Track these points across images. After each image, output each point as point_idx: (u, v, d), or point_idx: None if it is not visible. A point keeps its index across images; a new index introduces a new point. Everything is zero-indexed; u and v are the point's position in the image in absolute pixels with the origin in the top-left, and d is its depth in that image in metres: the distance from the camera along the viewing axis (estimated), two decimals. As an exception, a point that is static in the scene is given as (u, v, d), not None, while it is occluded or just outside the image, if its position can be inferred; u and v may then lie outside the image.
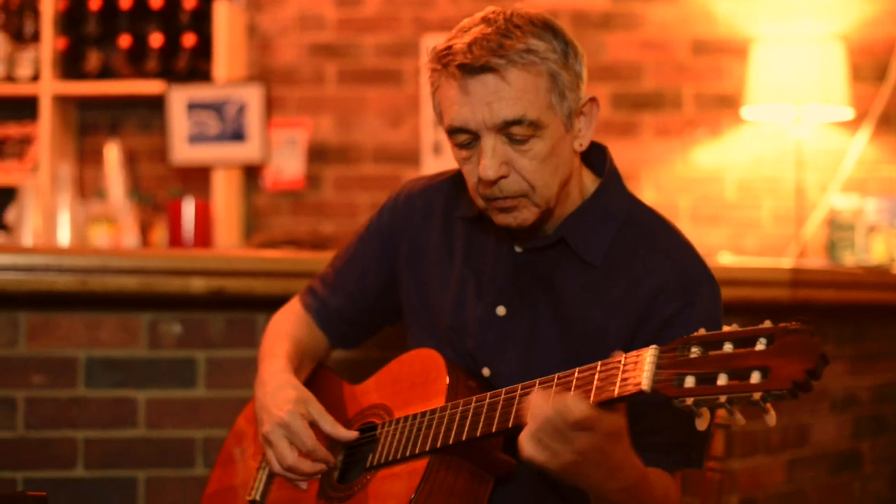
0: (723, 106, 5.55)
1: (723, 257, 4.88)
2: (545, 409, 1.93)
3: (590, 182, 2.38)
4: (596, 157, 2.40)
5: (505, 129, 2.18)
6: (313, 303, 2.68)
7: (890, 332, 4.30)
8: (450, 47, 2.20)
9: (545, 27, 2.21)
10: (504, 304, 2.37)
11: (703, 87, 5.57)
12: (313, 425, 2.38)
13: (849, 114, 5.31)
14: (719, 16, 5.55)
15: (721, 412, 2.47)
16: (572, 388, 1.99)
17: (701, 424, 1.81)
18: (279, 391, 2.43)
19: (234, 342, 3.29)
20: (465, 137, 2.22)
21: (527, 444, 1.96)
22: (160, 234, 5.60)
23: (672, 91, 5.59)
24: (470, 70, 2.16)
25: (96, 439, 3.25)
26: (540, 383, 2.07)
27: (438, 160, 5.55)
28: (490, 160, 2.19)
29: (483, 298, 2.40)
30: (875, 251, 5.15)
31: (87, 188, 5.86)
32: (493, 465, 2.26)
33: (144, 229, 5.61)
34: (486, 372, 2.38)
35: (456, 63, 2.17)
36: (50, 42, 5.63)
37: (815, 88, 5.13)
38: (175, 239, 5.35)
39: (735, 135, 5.54)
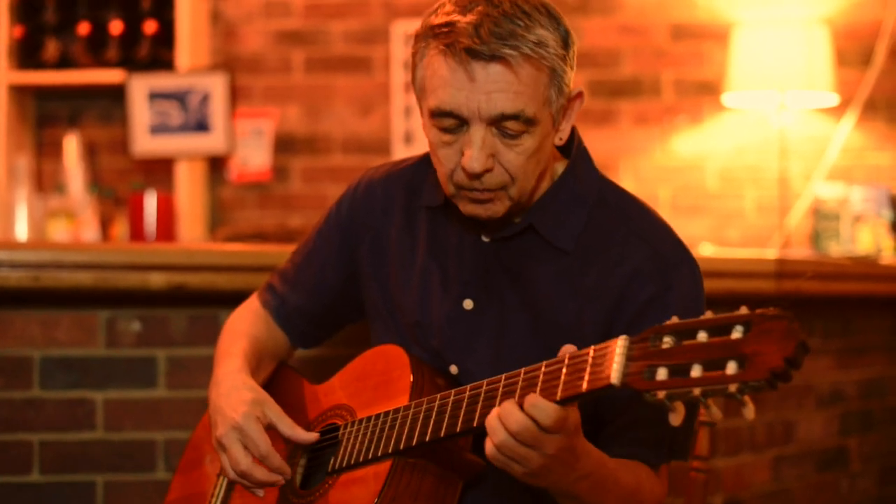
0: (703, 93, 5.53)
1: (704, 249, 4.87)
2: (512, 422, 1.92)
3: (558, 164, 2.34)
4: None
5: (498, 122, 2.12)
6: (272, 300, 2.63)
7: (877, 324, 4.30)
8: (451, 24, 2.11)
9: (549, 15, 2.16)
10: (471, 297, 2.33)
11: (682, 73, 5.55)
12: (271, 428, 2.33)
13: (833, 100, 5.31)
14: (699, -1, 5.54)
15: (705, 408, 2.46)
16: (539, 385, 1.95)
17: (675, 420, 1.77)
18: (233, 392, 2.37)
19: (195, 340, 3.25)
20: (451, 122, 2.15)
21: (495, 457, 1.96)
22: (121, 228, 5.56)
23: (651, 77, 5.57)
24: (477, 56, 2.09)
25: (52, 442, 3.20)
26: (506, 378, 2.02)
27: (410, 150, 5.52)
28: (478, 152, 2.13)
29: (449, 292, 2.35)
30: (861, 241, 5.14)
31: (46, 182, 5.81)
32: (461, 466, 2.22)
33: (105, 224, 5.57)
34: (453, 370, 2.34)
35: (462, 46, 2.09)
36: (6, 30, 5.58)
37: (798, 74, 5.13)
38: (137, 234, 5.32)
39: (716, 122, 5.52)
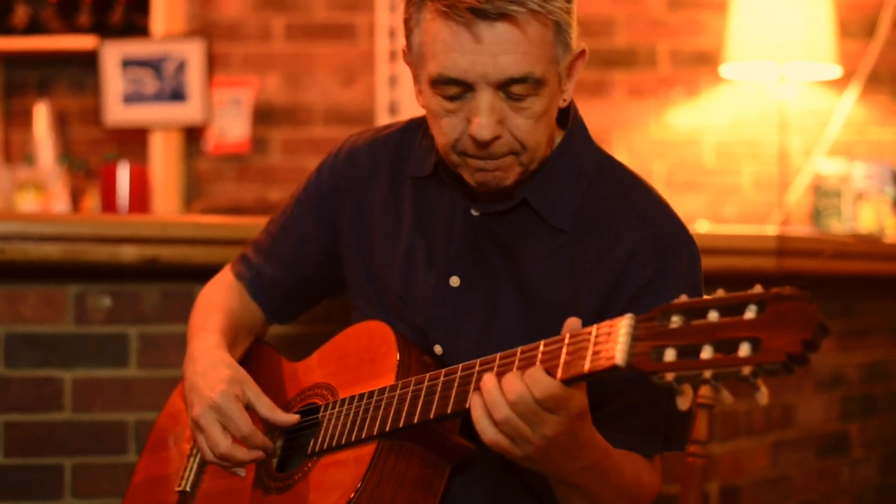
0: (700, 64, 5.51)
1: (700, 226, 4.83)
2: (512, 391, 1.86)
3: (555, 135, 2.28)
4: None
5: (506, 85, 2.07)
6: (246, 272, 2.58)
7: (881, 305, 4.28)
8: None
9: None
10: (458, 274, 2.28)
11: (679, 43, 5.53)
12: (249, 408, 2.28)
13: (836, 72, 5.29)
14: (697, -34, 5.50)
15: (705, 390, 2.41)
16: (537, 364, 1.90)
17: (683, 403, 1.72)
18: (211, 370, 2.31)
19: (168, 316, 3.21)
20: (455, 90, 2.09)
21: (489, 431, 1.90)
22: (93, 202, 5.55)
23: (646, 48, 5.55)
24: (483, 15, 2.02)
25: (18, 423, 3.16)
26: (501, 357, 1.97)
27: (394, 120, 5.46)
28: (487, 119, 2.07)
29: (435, 268, 2.30)
30: (863, 219, 5.12)
31: (14, 152, 5.79)
32: (450, 450, 2.18)
33: (76, 197, 5.56)
34: (437, 350, 2.29)
35: (466, 5, 2.02)
36: (-27, -6, 5.53)
37: (799, 45, 5.10)
38: (109, 207, 5.31)
39: (713, 95, 5.50)
